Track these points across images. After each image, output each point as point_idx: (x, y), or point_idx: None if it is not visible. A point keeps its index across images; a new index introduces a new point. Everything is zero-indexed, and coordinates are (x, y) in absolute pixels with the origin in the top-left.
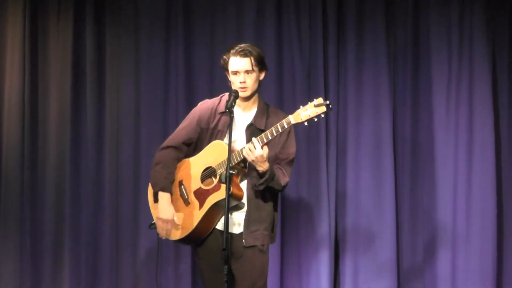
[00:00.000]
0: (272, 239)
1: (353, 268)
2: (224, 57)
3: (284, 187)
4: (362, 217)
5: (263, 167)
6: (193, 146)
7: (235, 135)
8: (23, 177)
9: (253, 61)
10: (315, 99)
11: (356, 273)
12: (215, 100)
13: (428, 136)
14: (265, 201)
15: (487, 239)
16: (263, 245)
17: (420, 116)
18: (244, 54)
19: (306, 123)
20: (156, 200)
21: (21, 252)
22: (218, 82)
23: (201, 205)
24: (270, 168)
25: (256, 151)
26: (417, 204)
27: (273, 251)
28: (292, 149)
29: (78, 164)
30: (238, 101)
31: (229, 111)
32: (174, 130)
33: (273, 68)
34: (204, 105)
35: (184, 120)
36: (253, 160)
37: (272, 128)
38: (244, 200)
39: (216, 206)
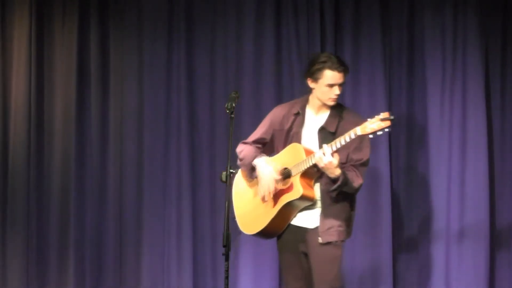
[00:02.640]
0: (348, 234)
1: (351, 264)
2: (318, 67)
3: (358, 189)
4: (358, 215)
5: (334, 173)
6: (268, 146)
7: (307, 138)
8: (29, 176)
9: (344, 76)
10: (381, 113)
11: (353, 270)
12: (289, 103)
13: (422, 136)
14: (339, 199)
15: (480, 237)
16: (336, 241)
17: (415, 117)
18: (342, 70)
19: (371, 135)
20: (251, 174)
21: (27, 249)
22: (219, 84)
23: (274, 204)
24: (343, 174)
25: (326, 158)
26: (412, 202)
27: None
28: (366, 150)
29: (82, 163)
30: (311, 104)
31: (229, 111)
32: (176, 131)
33: (272, 70)
34: (278, 108)
35: (262, 120)
36: (323, 167)
37: (341, 137)
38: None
39: (289, 205)
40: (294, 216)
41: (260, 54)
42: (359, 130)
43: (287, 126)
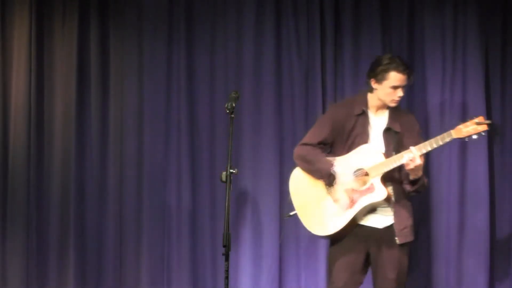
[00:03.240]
0: (413, 234)
1: None
2: (383, 68)
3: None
4: None
5: (418, 175)
6: (328, 147)
7: (373, 138)
8: (29, 176)
9: (410, 77)
10: (475, 117)
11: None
12: (345, 102)
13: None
14: (411, 199)
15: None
16: (410, 241)
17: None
18: (408, 72)
19: (467, 139)
20: (330, 181)
21: (27, 249)
22: (219, 84)
23: (352, 205)
24: (422, 175)
25: (417, 161)
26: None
27: (273, 247)
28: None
29: (83, 163)
30: (370, 104)
31: (229, 111)
32: (176, 131)
33: (272, 70)
34: (337, 108)
35: (318, 121)
36: (411, 169)
37: (432, 140)
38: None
39: (367, 207)
40: (364, 216)
41: (260, 54)
42: (453, 134)
43: (349, 127)
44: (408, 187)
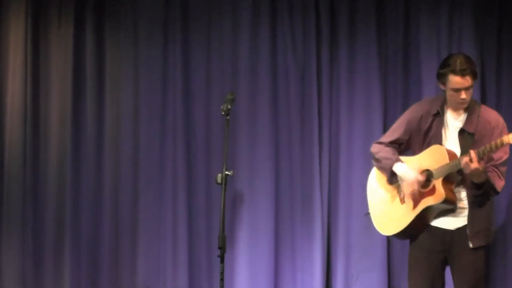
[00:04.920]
0: (490, 238)
1: (345, 266)
2: (442, 71)
3: (499, 192)
4: (354, 217)
5: (479, 179)
6: (404, 146)
7: (448, 140)
8: (25, 177)
9: (471, 79)
10: None
11: (348, 271)
12: (426, 101)
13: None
14: (485, 202)
15: None
16: (484, 246)
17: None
18: (466, 73)
19: None
20: (392, 179)
21: (23, 250)
22: (214, 85)
23: (414, 206)
24: (488, 180)
25: (472, 165)
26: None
27: (268, 249)
28: (506, 148)
29: (78, 165)
30: (449, 103)
31: (224, 113)
32: (172, 132)
33: (268, 72)
34: (416, 107)
35: (397, 119)
36: (469, 173)
37: (488, 145)
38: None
39: (429, 208)
40: (435, 218)
41: (255, 56)
42: (507, 139)
43: (425, 127)
44: (474, 191)
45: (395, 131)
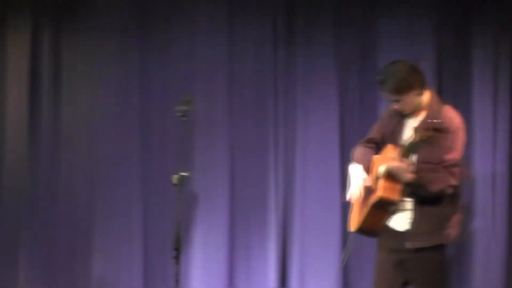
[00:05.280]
0: (443, 238)
1: (300, 266)
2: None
3: (439, 192)
4: (309, 218)
5: (405, 178)
6: (381, 145)
7: (404, 139)
8: None
9: (393, 94)
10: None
11: (302, 272)
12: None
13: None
14: (430, 200)
15: None
16: (425, 247)
17: (367, 121)
18: (386, 89)
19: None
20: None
21: None
22: (171, 87)
23: (368, 204)
24: (415, 178)
25: (393, 162)
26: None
27: (223, 250)
28: (457, 150)
29: (35, 168)
30: None
31: (181, 115)
32: (128, 134)
33: (224, 73)
34: (387, 108)
35: None
36: (394, 172)
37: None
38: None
39: (376, 206)
40: (390, 218)
41: (212, 58)
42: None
43: (391, 127)
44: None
45: (371, 130)
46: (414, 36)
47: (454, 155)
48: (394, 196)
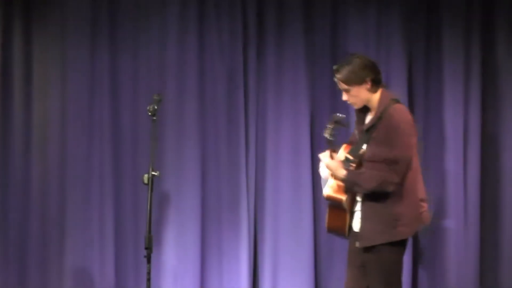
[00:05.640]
0: (392, 236)
1: (272, 266)
2: None
3: (375, 189)
4: (281, 218)
5: (337, 175)
6: None
7: (358, 138)
8: None
9: (340, 82)
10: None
11: (275, 271)
12: None
13: (345, 139)
14: (377, 199)
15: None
16: (379, 245)
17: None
18: (335, 75)
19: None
20: None
21: None
22: (142, 86)
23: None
24: (347, 175)
25: (323, 160)
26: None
27: (195, 249)
28: (399, 148)
29: (6, 166)
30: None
31: (151, 114)
32: (99, 134)
33: (195, 72)
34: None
35: None
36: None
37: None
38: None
39: (330, 206)
40: (352, 218)
41: (182, 57)
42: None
43: (355, 126)
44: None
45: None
46: (383, 34)
47: (395, 152)
48: (340, 194)
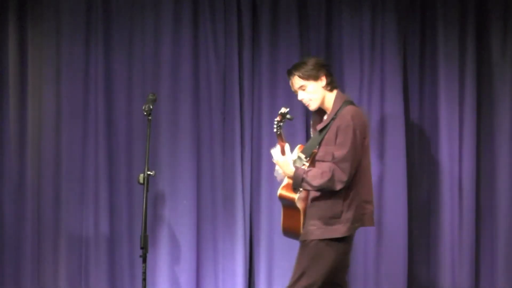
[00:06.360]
0: (325, 232)
1: (267, 266)
2: None
3: (320, 186)
4: (276, 217)
5: (286, 172)
6: None
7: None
8: None
9: (296, 80)
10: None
11: (270, 271)
12: None
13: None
14: (322, 199)
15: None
16: (312, 240)
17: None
18: (289, 76)
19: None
20: None
21: None
22: (136, 86)
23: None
24: (295, 174)
25: (274, 158)
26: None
27: (190, 249)
28: (345, 147)
29: (0, 165)
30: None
31: (146, 113)
32: (94, 133)
33: (190, 72)
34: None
35: None
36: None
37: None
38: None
39: (285, 205)
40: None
41: (177, 56)
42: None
43: (312, 129)
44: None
45: None
46: (378, 33)
47: (343, 151)
48: (293, 193)
